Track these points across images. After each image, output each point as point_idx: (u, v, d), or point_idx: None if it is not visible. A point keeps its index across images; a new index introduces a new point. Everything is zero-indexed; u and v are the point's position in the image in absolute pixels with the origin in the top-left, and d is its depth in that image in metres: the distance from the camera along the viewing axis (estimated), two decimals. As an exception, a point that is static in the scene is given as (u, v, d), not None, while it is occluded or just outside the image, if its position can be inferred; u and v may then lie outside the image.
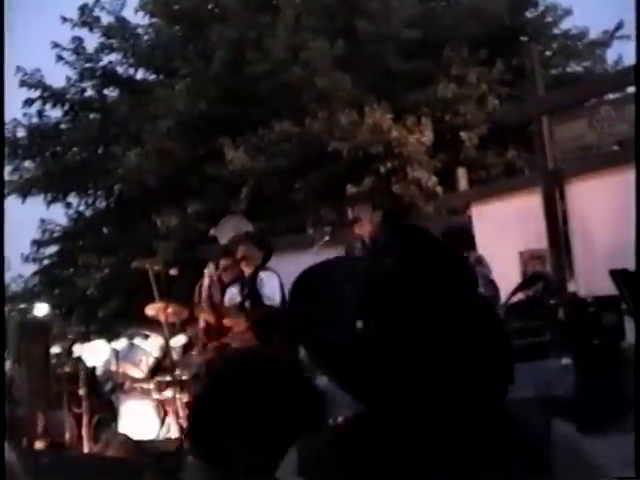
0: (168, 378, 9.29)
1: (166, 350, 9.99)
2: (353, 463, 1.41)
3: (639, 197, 6.56)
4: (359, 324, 1.35)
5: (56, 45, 21.22)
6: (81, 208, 22.34)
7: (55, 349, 13.35)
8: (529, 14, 20.50)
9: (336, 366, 1.40)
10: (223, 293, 9.37)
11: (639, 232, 5.71)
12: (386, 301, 1.37)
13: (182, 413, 8.86)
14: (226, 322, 8.76)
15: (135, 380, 10.09)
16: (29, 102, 21.28)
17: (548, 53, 20.07)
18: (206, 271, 9.71)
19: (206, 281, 9.66)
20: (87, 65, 21.59)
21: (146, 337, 12.25)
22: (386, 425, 1.42)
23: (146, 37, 22.11)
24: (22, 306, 20.39)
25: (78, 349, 13.14)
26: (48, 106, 21.51)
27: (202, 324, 9.62)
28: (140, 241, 19.08)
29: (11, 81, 20.47)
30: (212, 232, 11.10)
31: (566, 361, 8.54)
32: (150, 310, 9.65)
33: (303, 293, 1.49)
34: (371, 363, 1.37)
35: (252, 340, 8.40)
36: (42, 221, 22.13)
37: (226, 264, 9.35)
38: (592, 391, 8.10)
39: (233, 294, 9.06)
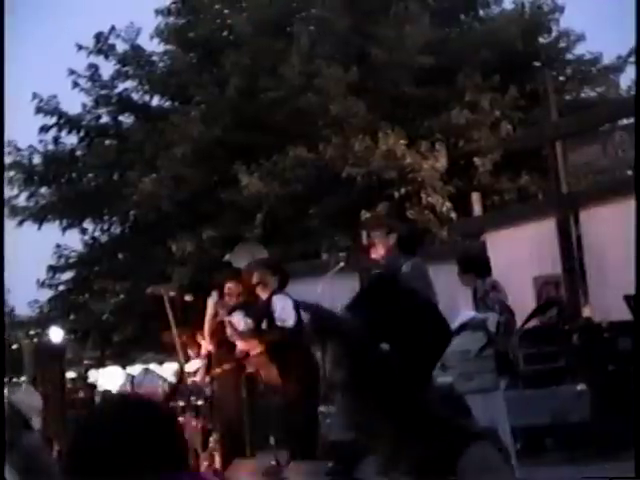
0: (182, 403, 9.30)
1: (181, 375, 10.01)
2: None
3: (639, 223, 6.58)
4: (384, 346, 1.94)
5: (72, 72, 21.38)
6: (96, 234, 22.41)
7: (70, 374, 13.39)
8: (542, 40, 20.53)
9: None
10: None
11: (639, 257, 5.76)
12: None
13: (197, 438, 8.87)
14: (241, 346, 8.77)
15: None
16: (45, 129, 21.43)
17: (561, 78, 20.07)
18: (210, 301, 9.56)
19: (210, 311, 9.52)
20: (103, 92, 21.72)
21: (161, 363, 12.28)
22: None
23: (161, 64, 22.24)
24: (37, 331, 20.46)
25: (93, 374, 13.19)
26: (64, 133, 21.67)
27: (204, 352, 9.61)
28: (155, 267, 19.12)
29: (27, 108, 20.70)
30: (227, 258, 11.14)
31: (581, 387, 8.53)
32: (165, 336, 9.69)
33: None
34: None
35: (266, 363, 8.41)
36: (58, 247, 22.19)
37: (232, 287, 9.24)
38: (607, 417, 8.08)
39: (244, 318, 9.02)
